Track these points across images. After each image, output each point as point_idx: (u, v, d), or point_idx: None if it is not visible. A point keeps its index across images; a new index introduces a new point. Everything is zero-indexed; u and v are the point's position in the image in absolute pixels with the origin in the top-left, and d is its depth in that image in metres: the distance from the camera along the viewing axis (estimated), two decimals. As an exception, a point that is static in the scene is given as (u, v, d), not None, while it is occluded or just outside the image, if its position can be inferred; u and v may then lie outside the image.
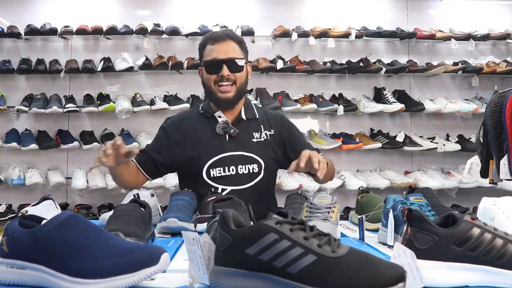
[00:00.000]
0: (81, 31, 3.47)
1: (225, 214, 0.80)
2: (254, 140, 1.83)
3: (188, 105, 3.42)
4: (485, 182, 2.42)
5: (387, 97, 3.65)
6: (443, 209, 1.46)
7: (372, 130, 3.79)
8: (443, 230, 0.86)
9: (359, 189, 1.77)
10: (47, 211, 1.24)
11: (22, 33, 3.47)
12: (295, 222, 0.77)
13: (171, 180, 3.27)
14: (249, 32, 3.56)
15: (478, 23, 3.88)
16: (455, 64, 3.78)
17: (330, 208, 1.30)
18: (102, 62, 3.49)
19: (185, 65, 3.48)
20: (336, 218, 1.31)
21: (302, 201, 1.63)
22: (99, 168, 3.47)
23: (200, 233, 1.02)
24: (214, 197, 1.39)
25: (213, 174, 1.77)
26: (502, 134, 1.96)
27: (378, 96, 3.71)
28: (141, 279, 0.77)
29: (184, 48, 3.67)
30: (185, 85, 3.60)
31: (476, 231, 0.85)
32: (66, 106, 3.39)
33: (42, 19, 3.53)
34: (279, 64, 3.53)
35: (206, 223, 1.21)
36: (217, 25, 3.55)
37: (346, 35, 3.62)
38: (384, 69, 3.62)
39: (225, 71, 1.73)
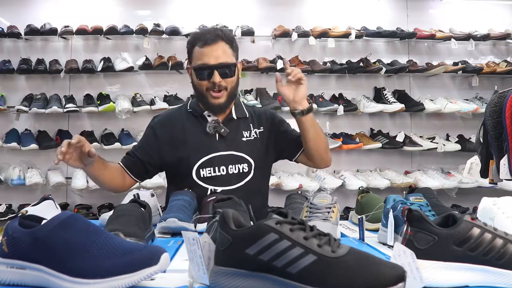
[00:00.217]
0: (81, 31, 3.47)
1: (225, 214, 0.80)
2: (244, 139, 1.80)
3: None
4: (485, 182, 2.42)
5: (387, 97, 3.65)
6: (443, 209, 1.46)
7: (372, 130, 3.79)
8: (443, 230, 0.86)
9: (359, 189, 1.77)
10: (47, 211, 1.24)
11: (22, 33, 3.47)
12: (295, 222, 0.77)
13: (171, 180, 3.27)
14: (249, 32, 3.56)
15: (478, 23, 3.88)
16: (455, 64, 3.79)
17: (330, 208, 1.30)
18: (102, 62, 3.49)
19: (185, 65, 3.46)
20: (336, 218, 1.31)
21: (302, 201, 1.63)
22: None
23: (200, 233, 1.02)
24: (214, 197, 1.39)
25: (203, 175, 1.73)
26: (502, 134, 1.96)
27: (378, 96, 3.71)
28: (141, 279, 0.77)
29: (184, 48, 3.59)
30: (185, 85, 3.57)
31: (476, 231, 0.85)
32: (66, 106, 3.39)
33: (42, 19, 3.53)
34: (279, 64, 3.53)
35: (206, 223, 1.21)
36: (217, 25, 3.54)
37: (346, 35, 3.62)
38: (384, 69, 3.62)
39: (217, 78, 1.66)
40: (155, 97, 3.53)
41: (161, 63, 3.49)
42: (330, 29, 3.65)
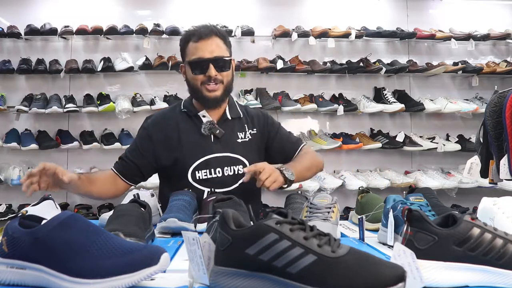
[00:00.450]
0: (81, 31, 3.47)
1: (225, 214, 0.80)
2: (239, 140, 1.78)
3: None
4: (485, 182, 2.42)
5: (387, 97, 3.65)
6: (443, 209, 1.46)
7: (372, 130, 3.79)
8: (443, 230, 0.86)
9: (359, 189, 1.76)
10: (47, 211, 1.24)
11: (22, 33, 3.47)
12: (295, 222, 0.77)
13: (171, 180, 3.27)
14: (249, 32, 3.56)
15: (478, 23, 3.88)
16: (455, 64, 3.79)
17: (330, 208, 1.30)
18: (102, 62, 3.49)
19: (185, 65, 3.48)
20: (336, 218, 1.31)
21: (302, 201, 1.63)
22: (99, 168, 3.47)
23: (200, 233, 1.02)
24: (214, 197, 1.39)
25: (199, 177, 1.71)
26: (502, 134, 1.96)
27: (378, 96, 3.71)
28: (141, 279, 0.77)
29: (184, 48, 3.66)
30: (185, 85, 3.55)
31: (476, 231, 0.85)
32: (66, 106, 3.39)
33: (42, 19, 3.53)
34: (279, 64, 3.53)
35: (206, 223, 1.21)
36: (217, 25, 3.53)
37: (346, 35, 3.62)
38: (384, 69, 3.62)
39: (212, 71, 1.66)
40: (155, 97, 3.54)
41: (161, 63, 3.49)
42: (330, 29, 3.65)
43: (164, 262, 0.79)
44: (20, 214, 0.88)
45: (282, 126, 1.94)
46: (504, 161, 1.95)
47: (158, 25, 3.53)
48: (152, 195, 1.67)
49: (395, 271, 0.70)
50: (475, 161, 2.19)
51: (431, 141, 3.70)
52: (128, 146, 1.86)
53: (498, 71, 3.73)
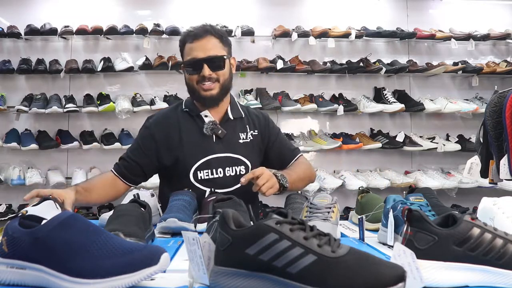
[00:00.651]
0: (81, 31, 3.47)
1: (225, 214, 0.80)
2: (241, 141, 1.78)
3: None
4: (485, 182, 2.42)
5: (387, 97, 3.65)
6: (443, 209, 1.46)
7: (372, 130, 3.79)
8: (443, 230, 0.86)
9: (359, 189, 1.76)
10: (47, 211, 1.24)
11: (22, 33, 3.47)
12: (295, 222, 0.77)
13: (171, 180, 3.27)
14: (249, 32, 3.57)
15: (478, 23, 3.89)
16: (455, 64, 3.79)
17: (330, 208, 1.30)
18: (102, 62, 3.49)
19: (185, 65, 3.47)
20: (336, 218, 1.31)
21: (302, 201, 1.63)
22: (99, 168, 3.47)
23: (200, 233, 1.02)
24: (214, 197, 1.39)
25: (201, 177, 1.71)
26: (502, 134, 1.96)
27: (378, 96, 3.71)
28: (141, 279, 0.77)
29: (184, 48, 3.66)
30: (185, 85, 3.59)
31: (476, 231, 0.85)
32: (66, 106, 3.39)
33: (42, 19, 3.53)
34: (279, 64, 3.53)
35: (206, 223, 1.21)
36: (217, 25, 3.53)
37: (346, 35, 3.62)
38: (384, 69, 3.62)
39: (206, 71, 1.67)
40: (155, 97, 3.54)
41: (161, 63, 3.49)
42: (330, 29, 3.65)
43: (164, 262, 0.79)
44: (20, 214, 0.88)
45: (281, 131, 1.96)
46: (504, 161, 1.95)
47: (158, 25, 3.53)
48: (152, 195, 1.67)
49: (395, 271, 0.70)
50: (475, 161, 2.19)
51: (431, 141, 3.70)
52: (129, 146, 1.85)
53: (498, 71, 3.73)
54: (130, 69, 3.50)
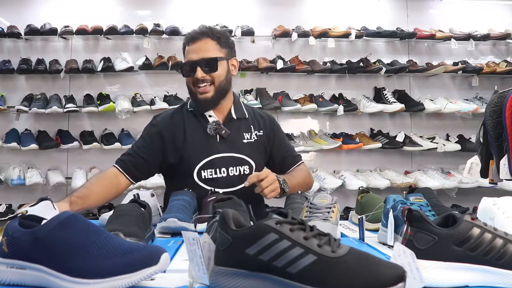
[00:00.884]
0: (81, 31, 3.47)
1: (225, 214, 0.80)
2: (245, 141, 1.79)
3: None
4: (485, 182, 2.42)
5: (387, 97, 3.65)
6: (443, 209, 1.46)
7: (372, 130, 3.79)
8: (443, 230, 0.86)
9: (359, 189, 1.77)
10: (45, 211, 1.24)
11: (22, 33, 3.47)
12: (295, 222, 0.77)
13: (171, 180, 3.27)
14: (249, 32, 3.57)
15: (478, 23, 3.88)
16: (455, 64, 3.79)
17: (330, 208, 1.30)
18: (102, 62, 3.49)
19: (185, 65, 3.47)
20: (336, 218, 1.31)
21: (302, 201, 1.63)
22: (99, 168, 3.47)
23: (200, 233, 1.02)
24: (214, 197, 1.39)
25: (204, 176, 1.72)
26: (502, 134, 1.96)
27: (378, 96, 3.71)
28: (141, 279, 0.77)
29: (184, 48, 3.66)
30: (185, 85, 3.58)
31: (476, 231, 0.85)
32: (66, 106, 3.39)
33: (42, 19, 3.53)
34: (279, 64, 3.53)
35: (206, 223, 1.21)
36: (217, 25, 3.55)
37: (346, 35, 3.62)
38: (384, 69, 3.62)
39: (199, 73, 1.68)
40: (155, 97, 3.54)
41: (161, 63, 3.49)
42: (330, 29, 3.65)
43: (164, 262, 0.79)
44: (20, 214, 0.88)
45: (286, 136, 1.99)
46: (504, 161, 1.95)
47: (158, 25, 3.53)
48: (152, 195, 1.67)
49: (395, 271, 0.70)
50: (475, 161, 2.19)
51: (431, 141, 3.70)
52: (134, 143, 1.85)
53: (498, 71, 3.73)
54: (130, 69, 3.50)
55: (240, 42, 3.71)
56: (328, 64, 3.63)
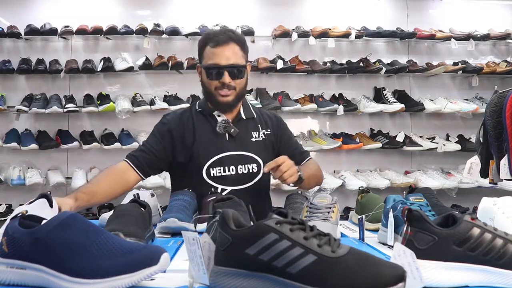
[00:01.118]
0: (81, 31, 3.47)
1: (225, 214, 0.80)
2: (253, 139, 1.83)
3: (188, 105, 3.42)
4: (485, 182, 2.42)
5: (387, 97, 3.65)
6: (443, 209, 1.46)
7: (372, 130, 3.79)
8: (443, 230, 0.86)
9: (359, 189, 1.77)
10: (41, 209, 1.23)
11: (22, 33, 3.47)
12: (295, 222, 0.77)
13: (171, 180, 3.27)
14: (249, 32, 3.56)
15: (478, 23, 3.88)
16: (455, 64, 3.79)
17: (330, 208, 1.30)
18: (102, 62, 3.49)
19: (185, 65, 3.48)
20: (336, 218, 1.31)
21: (302, 201, 1.63)
22: (99, 168, 3.47)
23: (200, 233, 1.02)
24: (214, 197, 1.39)
25: (213, 174, 1.75)
26: (502, 134, 1.96)
27: (378, 96, 3.71)
28: (141, 279, 0.77)
29: (184, 48, 3.67)
30: (185, 85, 3.60)
31: (476, 231, 0.85)
32: (66, 106, 3.39)
33: (42, 19, 3.53)
34: (279, 64, 3.53)
35: (206, 223, 1.21)
36: (217, 25, 3.55)
37: (346, 35, 3.62)
38: (384, 69, 3.62)
39: (227, 78, 1.71)
40: (155, 97, 3.53)
41: (161, 63, 3.49)
42: (330, 29, 3.65)
43: (164, 262, 0.79)
44: (20, 214, 0.88)
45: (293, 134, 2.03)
46: (504, 161, 1.95)
47: (158, 25, 3.53)
48: (152, 195, 1.68)
49: (395, 271, 0.70)
50: (475, 161, 2.19)
51: (431, 141, 3.70)
52: (145, 140, 1.86)
53: (498, 71, 3.73)
54: (130, 69, 3.49)
55: (240, 42, 3.70)
56: (328, 64, 3.63)
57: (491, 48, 4.01)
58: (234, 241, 0.77)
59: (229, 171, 1.76)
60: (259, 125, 1.87)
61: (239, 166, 1.77)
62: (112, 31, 3.48)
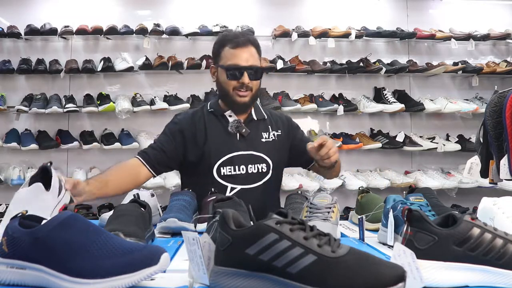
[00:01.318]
0: (81, 31, 3.47)
1: (225, 214, 0.80)
2: (263, 140, 1.86)
3: (188, 105, 3.42)
4: (485, 182, 2.42)
5: (387, 97, 3.65)
6: (443, 209, 1.46)
7: (372, 130, 3.79)
8: (443, 230, 0.86)
9: (359, 189, 1.77)
10: (36, 193, 1.21)
11: (22, 33, 3.47)
12: (295, 222, 0.77)
13: (171, 180, 3.27)
14: (249, 32, 3.56)
15: (478, 23, 3.88)
16: (455, 64, 3.79)
17: (330, 208, 1.30)
18: (102, 62, 3.49)
19: (185, 65, 3.48)
20: (336, 218, 1.31)
21: (302, 201, 1.63)
22: (99, 168, 3.48)
23: (200, 233, 1.02)
24: (214, 197, 1.39)
25: (224, 173, 1.79)
26: (502, 134, 1.96)
27: (378, 96, 3.71)
28: (141, 279, 0.77)
29: (184, 48, 3.67)
30: (185, 85, 3.60)
31: (476, 231, 0.85)
32: (66, 106, 3.39)
33: (42, 19, 3.53)
34: (279, 64, 3.53)
35: (206, 223, 1.21)
36: (217, 25, 3.55)
37: (346, 35, 3.62)
38: (384, 69, 3.62)
39: (246, 79, 1.75)
40: (155, 97, 3.53)
41: (161, 63, 3.49)
42: (330, 29, 3.65)
43: (164, 262, 0.79)
44: (19, 214, 0.88)
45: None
46: (504, 161, 1.95)
47: (158, 25, 3.53)
48: (152, 195, 1.68)
49: (395, 271, 0.70)
50: (475, 161, 2.19)
51: (431, 141, 3.70)
52: (156, 138, 1.88)
53: (498, 71, 3.73)
54: (130, 69, 3.49)
55: (240, 42, 3.70)
56: (328, 64, 3.63)
57: (491, 48, 4.01)
58: (234, 241, 0.77)
59: (239, 170, 1.79)
60: (270, 126, 1.90)
61: (249, 166, 1.81)
62: (112, 31, 3.48)
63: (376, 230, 1.39)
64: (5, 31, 3.47)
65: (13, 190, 3.38)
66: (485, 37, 3.75)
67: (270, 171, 1.83)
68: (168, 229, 1.37)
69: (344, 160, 3.72)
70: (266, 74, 3.66)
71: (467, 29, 3.81)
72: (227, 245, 0.78)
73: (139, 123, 3.60)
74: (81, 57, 3.57)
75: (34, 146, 3.33)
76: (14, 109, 3.41)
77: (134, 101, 3.50)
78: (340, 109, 3.54)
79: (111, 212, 1.29)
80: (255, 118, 1.88)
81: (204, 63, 3.46)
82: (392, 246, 1.07)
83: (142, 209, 1.28)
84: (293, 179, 3.40)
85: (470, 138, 3.70)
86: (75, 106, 3.42)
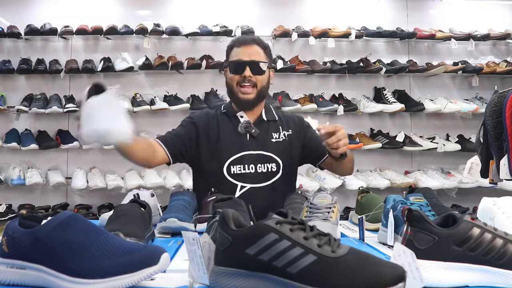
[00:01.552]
0: (81, 31, 3.47)
1: (225, 214, 0.80)
2: (273, 140, 1.89)
3: (188, 105, 3.42)
4: (485, 182, 2.42)
5: (387, 97, 3.65)
6: (443, 209, 1.46)
7: (372, 130, 3.79)
8: (443, 230, 0.86)
9: (359, 189, 1.77)
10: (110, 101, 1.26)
11: (22, 33, 3.47)
12: (295, 222, 0.77)
13: (171, 180, 3.27)
14: (249, 32, 3.56)
15: (478, 23, 3.88)
16: (455, 64, 3.78)
17: (330, 208, 1.30)
18: (102, 62, 3.49)
19: (185, 65, 3.48)
20: (336, 218, 1.31)
21: (302, 201, 1.63)
22: (99, 168, 3.48)
23: (200, 233, 1.02)
24: (214, 197, 1.39)
25: (234, 171, 1.82)
26: (502, 134, 1.96)
27: (378, 96, 3.71)
28: (141, 279, 0.77)
29: (184, 48, 3.67)
30: (185, 85, 3.60)
31: (476, 231, 0.85)
32: (66, 106, 3.39)
33: (42, 19, 3.53)
34: (279, 64, 3.53)
35: (206, 223, 1.21)
36: (217, 25, 3.55)
37: (346, 35, 3.62)
38: (384, 69, 3.62)
39: (247, 72, 1.80)
40: (155, 97, 3.53)
41: (161, 63, 3.49)
42: (330, 29, 3.65)
43: (164, 262, 0.79)
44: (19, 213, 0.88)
45: None
46: (504, 161, 1.95)
47: (158, 25, 3.53)
48: (152, 195, 1.68)
49: (395, 271, 0.70)
50: (475, 161, 2.19)
51: (431, 141, 3.70)
52: (172, 129, 1.91)
53: (498, 71, 3.72)
54: (130, 69, 3.49)
55: (240, 42, 3.70)
56: (328, 64, 3.63)
57: (491, 48, 4.01)
58: (234, 241, 0.77)
59: (248, 169, 1.83)
60: (281, 127, 1.93)
61: (258, 165, 1.84)
62: (112, 31, 3.48)
63: (376, 230, 1.39)
64: (5, 31, 3.47)
65: (13, 190, 3.40)
66: (485, 37, 3.75)
67: (280, 171, 1.86)
68: (168, 229, 1.37)
69: (344, 160, 3.75)
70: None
71: (467, 29, 3.81)
72: (227, 245, 0.78)
73: (139, 123, 3.59)
74: (81, 57, 3.57)
75: (34, 146, 3.33)
76: (14, 109, 3.41)
77: (134, 101, 3.50)
78: (340, 109, 3.54)
79: (111, 212, 1.29)
80: (265, 119, 1.92)
81: (204, 63, 3.46)
82: (392, 246, 1.07)
83: (142, 209, 1.28)
84: (293, 179, 3.40)
85: (470, 138, 3.70)
86: (75, 106, 3.42)
